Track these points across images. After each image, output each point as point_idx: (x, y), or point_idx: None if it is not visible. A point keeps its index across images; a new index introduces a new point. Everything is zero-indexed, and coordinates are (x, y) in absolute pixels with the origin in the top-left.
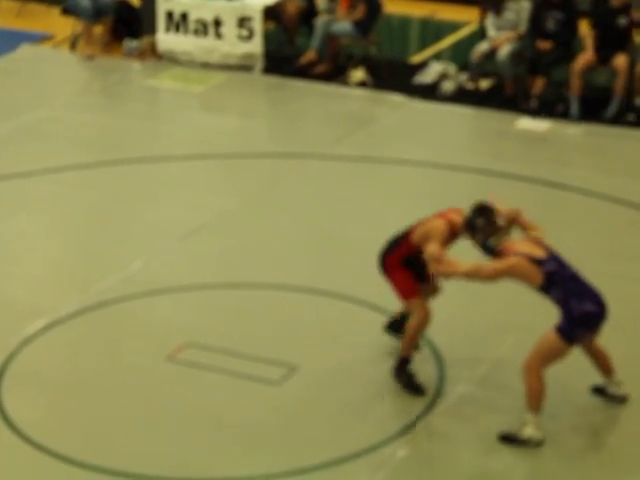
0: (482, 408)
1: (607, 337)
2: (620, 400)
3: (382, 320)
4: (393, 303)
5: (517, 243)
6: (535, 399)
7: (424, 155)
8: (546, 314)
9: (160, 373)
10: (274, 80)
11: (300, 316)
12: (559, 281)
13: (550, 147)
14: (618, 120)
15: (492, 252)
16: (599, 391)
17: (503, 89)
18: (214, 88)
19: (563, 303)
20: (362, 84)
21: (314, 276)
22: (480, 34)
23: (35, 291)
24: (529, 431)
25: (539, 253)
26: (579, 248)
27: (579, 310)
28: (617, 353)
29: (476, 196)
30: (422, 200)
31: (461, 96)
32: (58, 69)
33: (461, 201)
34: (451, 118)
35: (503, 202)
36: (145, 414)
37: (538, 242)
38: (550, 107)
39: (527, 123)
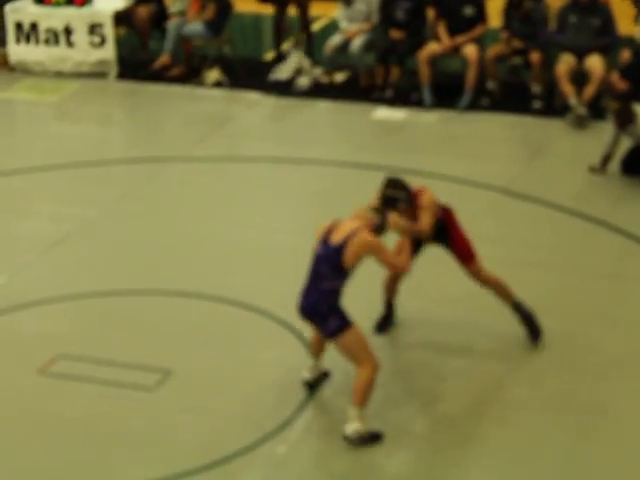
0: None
1: (472, 318)
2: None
3: (254, 318)
4: (264, 301)
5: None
6: None
7: (284, 151)
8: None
9: (32, 388)
10: (129, 85)
11: (171, 320)
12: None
13: (407, 135)
14: (473, 105)
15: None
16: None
17: (358, 81)
18: (69, 97)
19: None
20: (218, 84)
21: (182, 279)
22: (333, 28)
23: None
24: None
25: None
26: None
27: None
28: (483, 338)
29: (338, 188)
30: (285, 196)
31: (317, 90)
32: None
33: (325, 194)
34: (308, 113)
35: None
36: (18, 430)
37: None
38: (405, 96)
39: (383, 113)
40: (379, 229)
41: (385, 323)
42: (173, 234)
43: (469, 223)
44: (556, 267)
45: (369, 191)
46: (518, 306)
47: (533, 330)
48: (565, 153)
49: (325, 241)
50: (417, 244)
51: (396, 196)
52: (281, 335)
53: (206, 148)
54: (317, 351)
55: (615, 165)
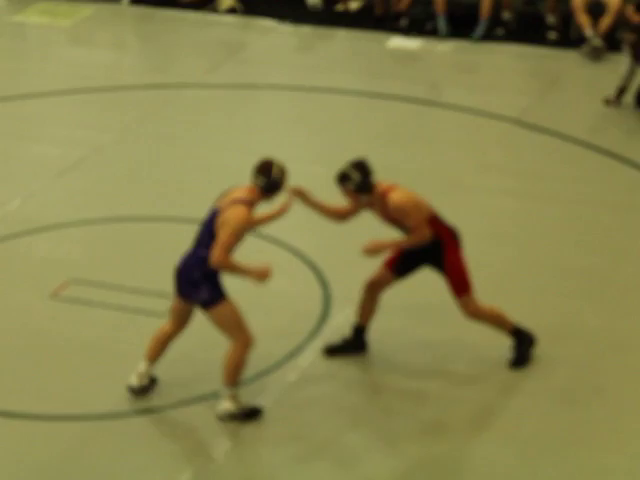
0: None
1: (482, 248)
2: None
3: (266, 246)
4: (276, 229)
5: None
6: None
7: (299, 79)
8: None
9: (45, 311)
10: (143, 10)
11: (184, 247)
12: None
13: (422, 65)
14: (487, 35)
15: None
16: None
17: (373, 9)
18: (83, 21)
19: None
20: (232, 10)
21: (195, 206)
22: None
23: None
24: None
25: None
26: (453, 163)
27: None
28: (491, 269)
29: (351, 116)
30: (299, 124)
31: (332, 18)
32: None
33: (338, 122)
34: (323, 41)
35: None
36: (31, 353)
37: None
38: (420, 25)
39: (398, 42)
40: (267, 189)
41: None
42: (186, 161)
43: (481, 154)
44: (567, 199)
45: (381, 120)
46: (516, 332)
47: (520, 358)
48: (580, 85)
49: (214, 205)
50: (411, 261)
51: (349, 174)
52: (293, 264)
53: (220, 75)
54: (159, 352)
55: (630, 97)
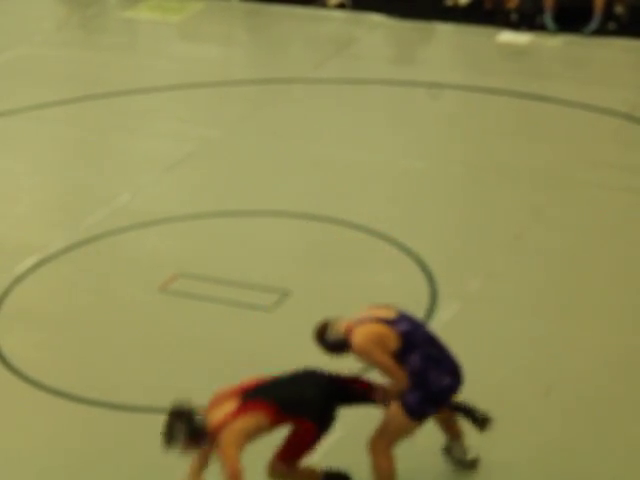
0: (474, 322)
1: (593, 244)
2: (469, 465)
3: (372, 240)
4: (382, 224)
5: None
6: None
7: (406, 74)
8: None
9: (153, 304)
10: (252, 6)
11: (290, 241)
12: (418, 343)
13: (531, 60)
14: (599, 29)
15: (343, 346)
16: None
17: (482, 3)
18: (192, 17)
19: (419, 374)
20: (341, 6)
21: (302, 201)
22: None
23: (23, 229)
24: None
25: (387, 314)
26: (563, 159)
27: (437, 386)
28: (605, 264)
29: (460, 111)
30: (407, 119)
31: (441, 13)
32: (33, 5)
33: (447, 117)
34: (432, 35)
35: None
36: (140, 346)
37: (384, 307)
38: (530, 20)
39: (508, 37)
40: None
41: None
42: (293, 156)
43: (591, 149)
44: None
45: (491, 116)
46: None
47: None
48: None
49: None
50: None
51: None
52: (399, 258)
53: (328, 70)
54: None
55: None
